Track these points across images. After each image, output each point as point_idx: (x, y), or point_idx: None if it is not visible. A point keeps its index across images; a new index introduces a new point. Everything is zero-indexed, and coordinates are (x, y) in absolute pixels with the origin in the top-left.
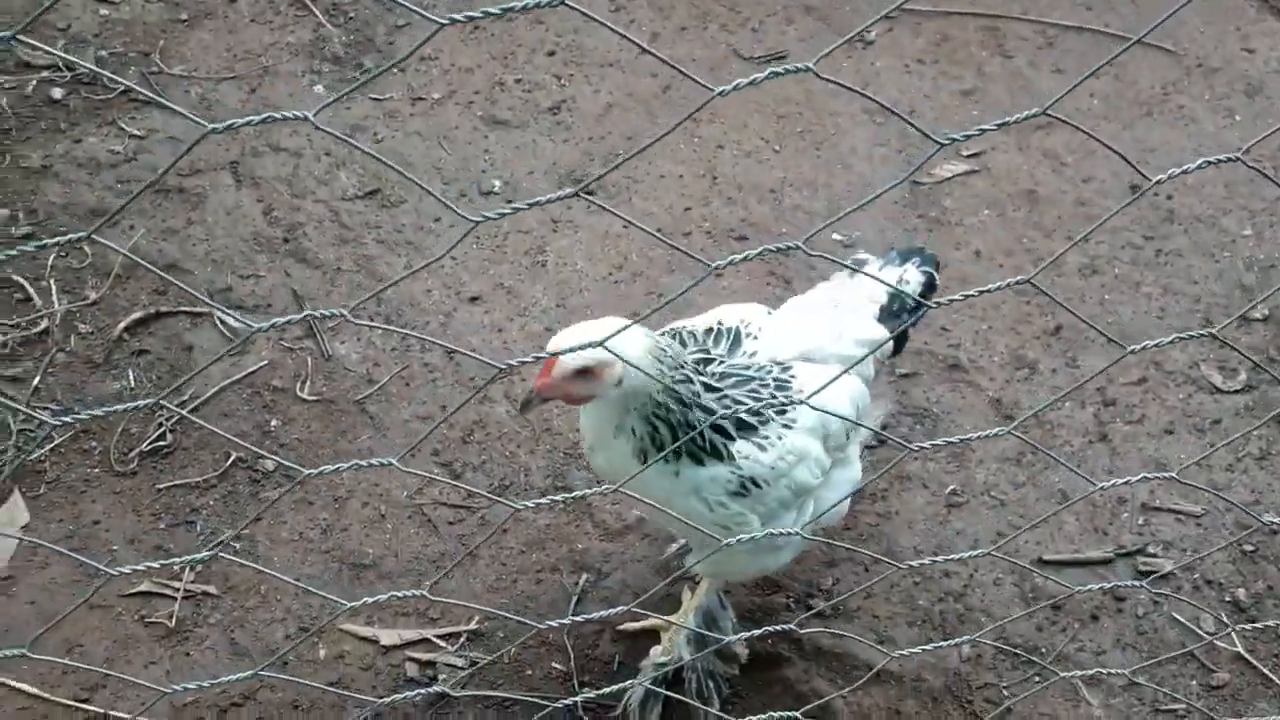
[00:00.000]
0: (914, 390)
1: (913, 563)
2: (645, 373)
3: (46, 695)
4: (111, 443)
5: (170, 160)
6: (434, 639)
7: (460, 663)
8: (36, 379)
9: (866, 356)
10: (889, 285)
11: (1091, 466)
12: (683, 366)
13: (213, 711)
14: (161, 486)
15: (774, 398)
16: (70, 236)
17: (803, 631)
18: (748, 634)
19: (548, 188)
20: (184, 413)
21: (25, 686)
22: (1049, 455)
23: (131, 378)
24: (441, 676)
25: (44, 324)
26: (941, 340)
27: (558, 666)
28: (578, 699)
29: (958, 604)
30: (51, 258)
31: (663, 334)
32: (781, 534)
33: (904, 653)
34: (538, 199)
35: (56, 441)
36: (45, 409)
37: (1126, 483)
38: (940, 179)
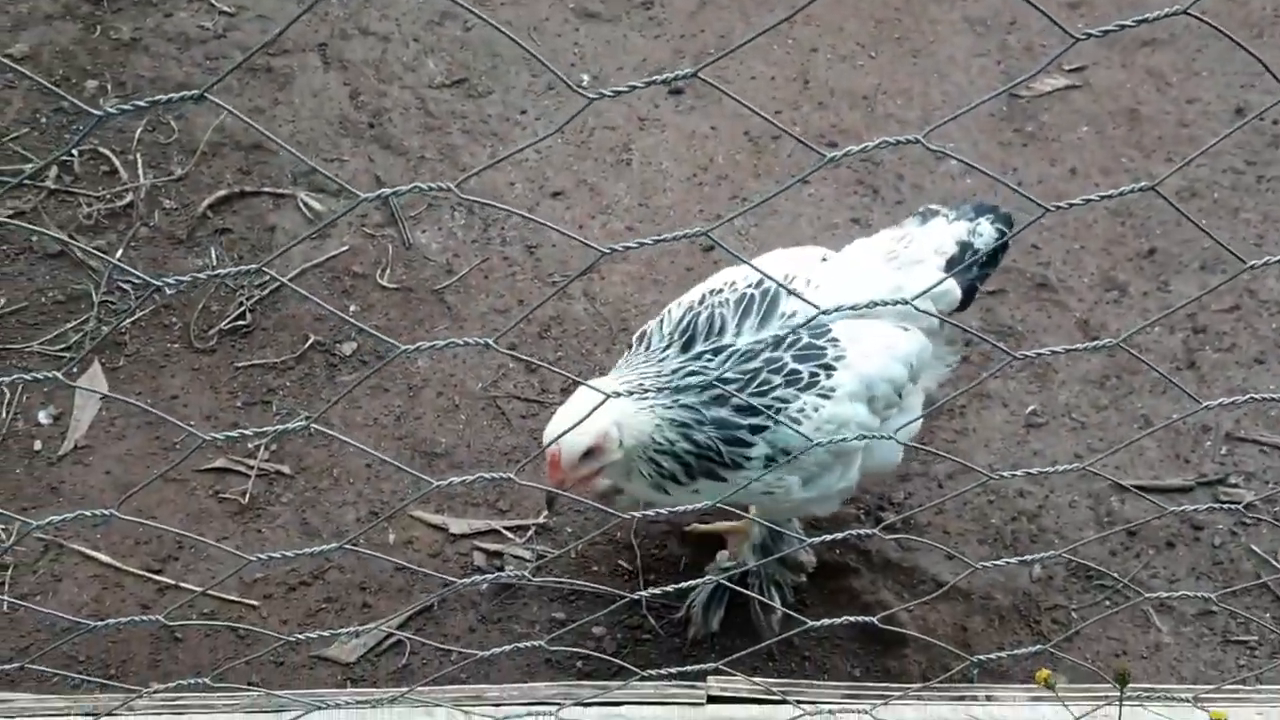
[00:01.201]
0: (999, 308)
1: (1003, 473)
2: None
3: (119, 565)
4: (191, 319)
5: (259, 38)
6: (502, 530)
7: (527, 555)
8: (120, 252)
9: (920, 296)
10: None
11: (1178, 393)
12: (665, 389)
13: (281, 589)
14: (239, 365)
15: (796, 373)
16: (183, 95)
17: (887, 535)
18: (815, 540)
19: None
20: (285, 280)
21: (99, 555)
22: (1160, 374)
23: (213, 255)
24: (508, 568)
25: (129, 198)
26: (1030, 258)
27: (624, 565)
28: (643, 595)
29: (1031, 524)
30: (139, 131)
31: (691, 304)
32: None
33: (984, 565)
34: (654, 78)
35: (137, 315)
36: (128, 282)
37: (1233, 403)
38: (1039, 93)
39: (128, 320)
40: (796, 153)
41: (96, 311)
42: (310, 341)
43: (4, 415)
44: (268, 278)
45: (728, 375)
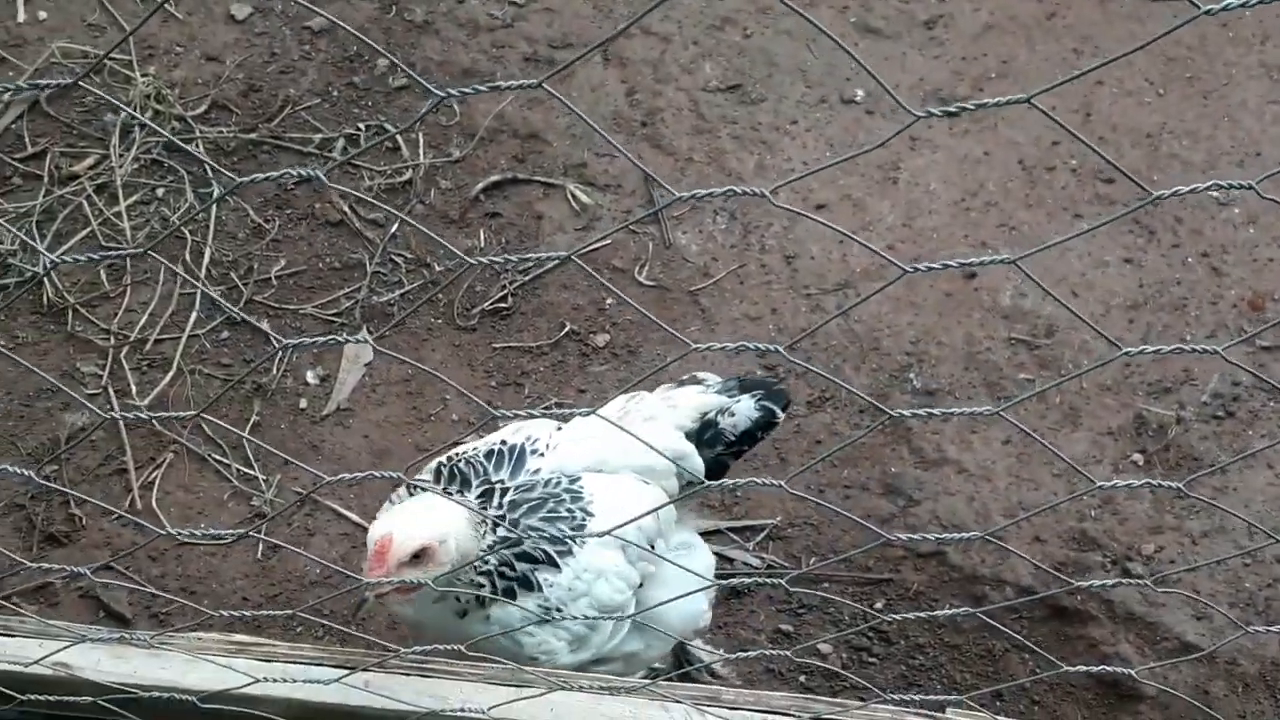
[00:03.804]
0: (1274, 365)
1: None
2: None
3: (367, 525)
4: (457, 297)
5: (544, 30)
6: (727, 532)
7: (756, 562)
8: (394, 227)
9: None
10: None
11: None
12: (485, 520)
13: None
14: (497, 346)
15: (571, 513)
16: (523, 83)
17: (1136, 583)
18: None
19: (911, 104)
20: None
21: (350, 514)
22: None
23: (482, 238)
24: (737, 576)
25: (408, 175)
26: None
27: (856, 584)
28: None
29: None
30: (419, 114)
31: (441, 466)
32: None
33: (1253, 630)
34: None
35: (407, 288)
36: (400, 255)
37: None
38: None
39: (396, 293)
40: (1070, 185)
41: (369, 281)
42: (566, 330)
43: (275, 372)
44: (531, 263)
45: (515, 499)
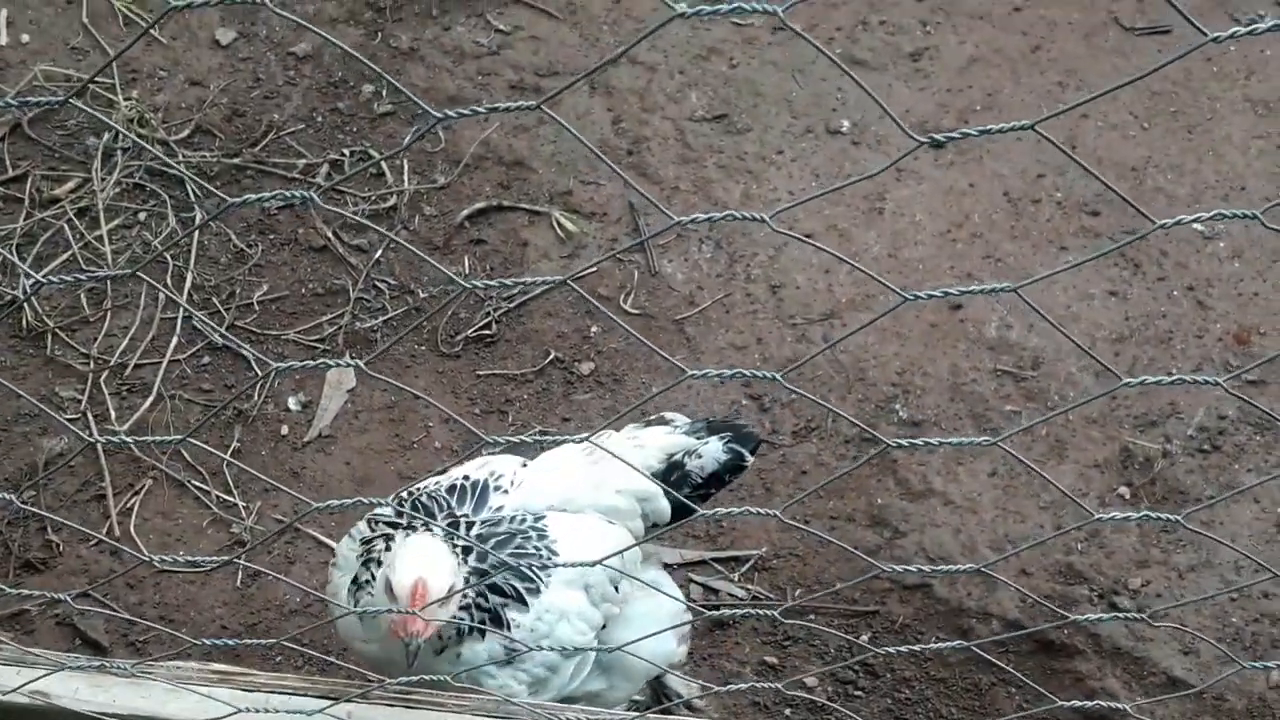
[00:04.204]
0: (1260, 399)
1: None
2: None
3: None
4: (441, 324)
5: (530, 58)
6: (712, 562)
7: (741, 593)
8: (379, 253)
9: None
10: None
11: None
12: (457, 550)
13: None
14: (481, 373)
15: (537, 550)
16: (520, 104)
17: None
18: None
19: (897, 135)
20: (533, 293)
21: (331, 542)
22: None
23: (467, 264)
24: (723, 608)
25: (393, 201)
26: None
27: (843, 617)
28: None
29: (1274, 628)
30: (408, 138)
31: (402, 501)
32: None
33: (1252, 666)
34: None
35: (390, 314)
36: (384, 281)
37: None
38: None
39: (380, 319)
40: (1056, 218)
41: (352, 307)
42: (551, 357)
43: (256, 398)
44: (515, 290)
45: (482, 533)
